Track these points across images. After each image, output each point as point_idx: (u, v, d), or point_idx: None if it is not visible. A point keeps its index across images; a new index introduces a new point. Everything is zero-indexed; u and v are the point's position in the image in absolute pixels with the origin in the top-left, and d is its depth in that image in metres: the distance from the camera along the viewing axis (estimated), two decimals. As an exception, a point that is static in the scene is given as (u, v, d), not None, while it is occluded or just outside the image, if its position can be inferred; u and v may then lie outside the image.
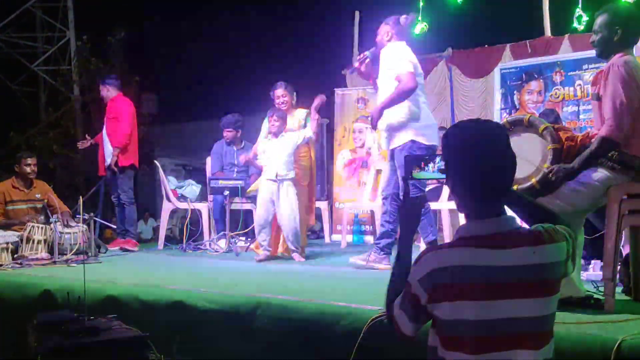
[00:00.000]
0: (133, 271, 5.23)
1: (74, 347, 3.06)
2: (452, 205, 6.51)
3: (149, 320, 3.75)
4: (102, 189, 7.91)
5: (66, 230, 5.97)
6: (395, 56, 4.93)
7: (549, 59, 7.35)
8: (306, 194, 6.25)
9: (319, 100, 5.95)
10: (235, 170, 7.33)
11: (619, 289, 3.44)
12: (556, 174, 3.11)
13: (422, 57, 5.93)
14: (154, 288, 4.10)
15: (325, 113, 9.25)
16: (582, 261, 4.02)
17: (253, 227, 6.92)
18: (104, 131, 7.18)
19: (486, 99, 8.40)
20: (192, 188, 7.59)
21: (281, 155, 5.79)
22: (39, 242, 5.88)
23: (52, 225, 5.83)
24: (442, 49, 8.54)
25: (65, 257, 5.76)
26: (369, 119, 5.16)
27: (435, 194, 6.69)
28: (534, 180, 3.18)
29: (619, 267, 3.40)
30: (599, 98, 3.23)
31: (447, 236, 6.58)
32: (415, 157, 2.35)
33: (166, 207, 7.38)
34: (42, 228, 5.95)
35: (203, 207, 7.26)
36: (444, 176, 2.00)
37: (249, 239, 6.95)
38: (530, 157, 3.24)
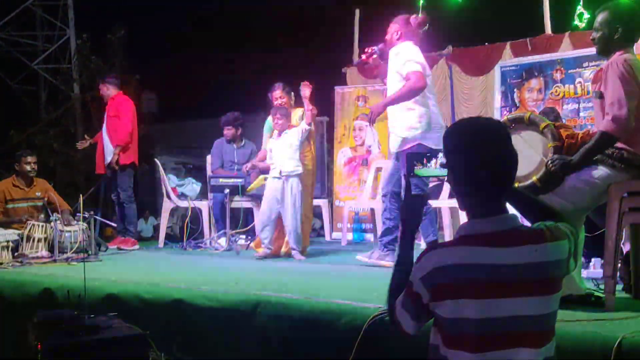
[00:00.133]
0: (133, 269, 5.23)
1: (74, 346, 3.06)
2: (453, 203, 6.51)
3: (149, 318, 3.76)
4: (102, 187, 7.91)
5: (66, 228, 5.97)
6: (403, 56, 4.89)
7: (550, 56, 7.34)
8: (310, 194, 6.25)
9: (306, 88, 5.80)
10: (236, 168, 7.33)
11: (619, 287, 3.44)
12: (555, 164, 3.11)
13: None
14: (154, 286, 4.10)
15: (325, 111, 9.25)
16: (583, 259, 4.02)
17: (254, 225, 6.93)
18: (104, 129, 7.17)
19: (486, 97, 8.39)
20: (192, 186, 7.59)
21: (286, 152, 5.79)
22: (39, 240, 5.89)
23: (52, 223, 5.83)
24: (442, 47, 8.53)
25: (65, 256, 5.76)
26: (369, 112, 5.13)
27: (436, 192, 6.68)
28: (534, 178, 3.18)
29: (619, 265, 3.40)
30: (600, 96, 3.22)
31: (448, 235, 6.58)
32: (418, 155, 2.35)
33: (166, 206, 7.38)
34: (42, 226, 5.95)
35: (203, 206, 7.26)
36: (445, 173, 2.00)
37: (250, 237, 6.96)
38: (530, 155, 3.23)
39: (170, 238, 8.02)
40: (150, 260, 6.14)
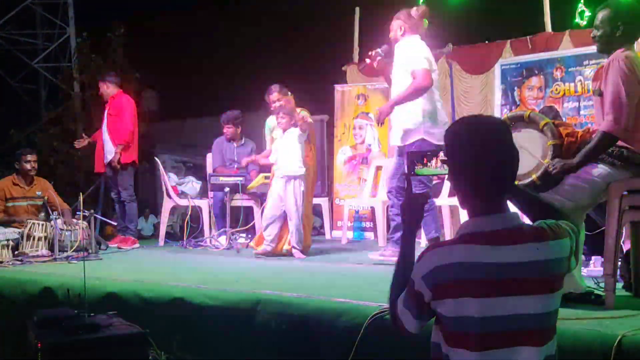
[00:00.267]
0: (133, 268, 5.24)
1: (74, 344, 3.06)
2: (453, 201, 6.52)
3: (149, 316, 3.76)
4: (102, 185, 7.91)
5: (66, 227, 5.97)
6: (410, 51, 4.86)
7: (550, 54, 7.33)
8: (311, 194, 6.26)
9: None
10: (236, 166, 7.33)
11: (619, 285, 3.43)
12: (556, 170, 3.11)
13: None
14: (154, 285, 4.10)
15: (325, 109, 9.25)
16: (583, 257, 4.02)
17: (254, 223, 6.94)
18: (104, 128, 7.16)
19: (486, 95, 8.38)
20: (192, 185, 7.59)
21: (289, 151, 5.80)
22: (39, 239, 5.90)
23: (52, 222, 5.83)
24: (443, 45, 8.52)
25: (65, 254, 5.77)
26: (378, 113, 5.10)
27: (436, 191, 6.68)
28: (534, 176, 3.18)
29: (619, 263, 3.40)
30: (600, 94, 3.22)
31: (448, 233, 6.58)
32: (418, 154, 2.34)
33: (167, 204, 7.38)
34: (42, 225, 5.96)
35: (203, 204, 7.26)
36: (446, 172, 1.99)
37: (250, 236, 6.96)
38: (530, 153, 3.23)
39: (171, 236, 8.02)
40: (150, 259, 6.15)
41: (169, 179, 7.48)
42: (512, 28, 8.93)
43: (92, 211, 5.98)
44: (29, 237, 5.87)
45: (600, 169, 3.14)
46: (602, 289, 3.22)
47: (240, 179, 6.69)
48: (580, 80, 6.85)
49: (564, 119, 6.34)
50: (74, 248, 5.88)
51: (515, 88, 7.34)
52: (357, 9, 9.49)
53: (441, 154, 2.22)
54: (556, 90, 7.04)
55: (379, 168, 7.84)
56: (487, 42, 8.63)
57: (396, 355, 2.94)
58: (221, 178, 6.76)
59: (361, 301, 3.29)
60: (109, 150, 7.06)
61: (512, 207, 1.94)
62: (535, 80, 7.21)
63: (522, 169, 3.17)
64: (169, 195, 7.33)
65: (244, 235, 7.01)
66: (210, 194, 7.22)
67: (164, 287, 4.01)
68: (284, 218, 5.84)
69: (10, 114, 13.91)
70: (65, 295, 4.00)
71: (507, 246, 1.77)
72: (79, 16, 14.37)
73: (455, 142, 1.90)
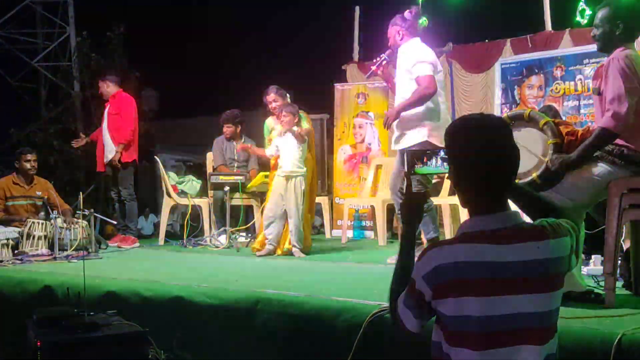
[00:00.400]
0: (133, 267, 5.23)
1: (73, 343, 3.06)
2: (453, 200, 6.52)
3: (149, 315, 3.76)
4: (102, 185, 7.91)
5: (66, 226, 5.97)
6: (413, 56, 4.85)
7: (550, 53, 7.33)
8: (314, 193, 6.26)
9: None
10: (236, 165, 7.33)
11: (619, 284, 3.43)
12: (556, 164, 3.11)
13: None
14: (154, 284, 4.10)
15: (325, 108, 9.25)
16: (583, 256, 4.02)
17: (254, 222, 6.94)
18: (104, 127, 7.16)
19: (486, 94, 8.39)
20: (192, 184, 7.59)
21: (292, 150, 5.79)
22: (39, 238, 5.89)
23: (52, 221, 5.83)
24: (443, 44, 8.52)
25: (65, 253, 5.76)
26: (385, 118, 5.10)
27: (436, 190, 6.68)
28: (534, 175, 3.17)
29: (619, 262, 3.39)
30: (600, 92, 3.22)
31: (448, 232, 6.58)
32: (418, 153, 2.34)
33: (166, 203, 7.38)
34: (42, 224, 5.96)
35: (203, 203, 7.26)
36: (446, 171, 1.99)
37: (250, 235, 6.96)
38: (530, 152, 3.23)
39: (171, 236, 8.02)
40: (150, 258, 6.14)
41: (168, 178, 7.48)
42: (512, 27, 8.94)
43: (92, 210, 5.98)
44: (28, 236, 5.87)
45: (600, 168, 3.13)
46: (602, 288, 3.22)
47: (240, 178, 6.69)
48: (581, 79, 6.85)
49: (564, 118, 6.33)
50: (73, 247, 5.88)
51: (516, 87, 7.34)
52: (357, 8, 9.49)
53: (441, 152, 2.22)
54: (556, 89, 7.03)
55: (379, 167, 7.84)
56: (487, 40, 8.64)
57: (396, 354, 2.94)
58: (221, 177, 6.76)
59: (361, 300, 3.29)
60: (110, 150, 7.05)
61: (513, 206, 1.94)
62: (535, 79, 7.21)
63: (522, 168, 3.16)
64: (168, 195, 7.33)
65: (243, 234, 7.01)
66: (210, 193, 7.22)
67: (164, 286, 4.01)
68: (285, 217, 5.84)
69: (10, 113, 13.91)
70: (65, 294, 4.00)
71: (507, 245, 1.77)
72: (79, 15, 14.36)
73: (455, 141, 1.90)
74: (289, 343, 3.38)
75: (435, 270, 1.79)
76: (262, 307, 3.50)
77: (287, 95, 6.32)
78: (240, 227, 6.84)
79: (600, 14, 3.29)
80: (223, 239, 6.75)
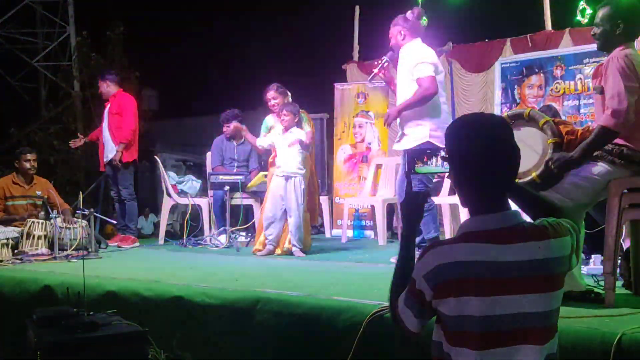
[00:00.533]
0: (133, 267, 5.23)
1: (73, 343, 3.05)
2: (453, 200, 6.51)
3: (148, 315, 3.76)
4: (102, 184, 7.91)
5: (67, 226, 5.97)
6: (415, 57, 4.86)
7: (550, 53, 7.33)
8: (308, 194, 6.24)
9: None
10: (236, 165, 7.33)
11: (619, 283, 3.43)
12: (556, 163, 3.10)
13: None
14: (154, 283, 4.09)
15: (325, 108, 9.25)
16: (583, 255, 4.02)
17: (253, 222, 6.93)
18: (105, 127, 7.15)
19: (486, 94, 8.39)
20: (192, 183, 7.59)
21: (290, 150, 5.79)
22: (39, 237, 5.89)
23: (52, 221, 5.83)
24: (442, 44, 8.52)
25: (65, 253, 5.77)
26: (386, 116, 5.11)
27: (436, 189, 6.68)
28: (534, 174, 3.17)
29: (619, 262, 3.39)
30: (600, 91, 3.22)
31: (448, 232, 6.58)
32: (419, 152, 2.33)
33: (166, 203, 7.38)
34: (42, 224, 5.96)
35: (203, 203, 7.26)
36: (447, 170, 1.98)
37: (250, 235, 6.96)
38: (530, 151, 3.23)
39: (171, 235, 8.03)
40: (150, 258, 6.14)
41: (168, 178, 7.48)
42: (512, 26, 8.95)
43: (92, 210, 5.97)
44: (28, 235, 5.87)
45: (600, 167, 3.13)
46: (602, 288, 3.22)
47: (240, 177, 6.69)
48: (581, 79, 6.85)
49: (564, 118, 6.33)
50: (73, 247, 5.88)
51: (515, 86, 7.34)
52: (357, 8, 9.49)
53: (442, 152, 2.21)
54: (556, 88, 7.03)
55: (378, 166, 7.84)
56: (487, 40, 8.64)
57: (396, 353, 2.94)
58: (221, 177, 6.76)
59: (361, 299, 3.28)
60: (110, 149, 7.05)
61: (513, 206, 1.93)
62: (535, 79, 7.21)
63: (522, 167, 3.15)
64: (168, 194, 7.33)
65: (243, 233, 7.00)
66: (210, 192, 7.22)
67: (164, 286, 4.00)
68: (284, 217, 5.84)
69: (11, 113, 13.92)
70: (64, 294, 3.99)
71: (508, 244, 1.76)
72: (79, 15, 14.38)
73: (456, 140, 1.89)
74: (288, 343, 3.37)
75: (435, 269, 1.79)
76: (262, 307, 3.49)
77: (289, 93, 6.31)
78: (240, 227, 6.84)
79: (600, 13, 3.29)
80: (223, 238, 6.75)
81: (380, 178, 7.75)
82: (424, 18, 5.03)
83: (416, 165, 2.31)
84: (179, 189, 7.48)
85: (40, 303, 4.10)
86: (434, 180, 6.45)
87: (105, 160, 7.13)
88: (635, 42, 3.33)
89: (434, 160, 2.28)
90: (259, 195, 6.93)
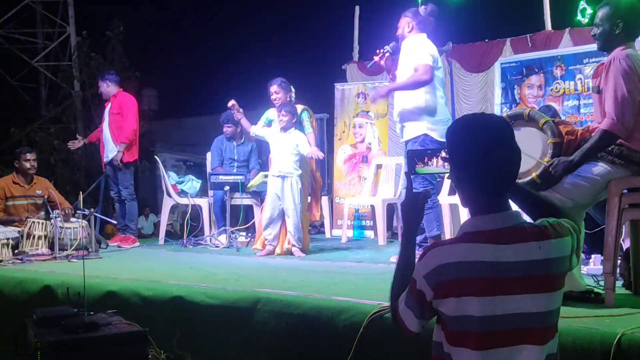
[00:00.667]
0: (133, 266, 5.23)
1: (73, 342, 3.05)
2: (453, 200, 6.51)
3: (149, 315, 3.75)
4: (102, 184, 7.91)
5: (66, 225, 5.97)
6: (416, 48, 4.92)
7: (550, 53, 7.34)
8: (306, 194, 6.24)
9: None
10: (236, 165, 7.33)
11: (619, 283, 3.43)
12: (556, 167, 3.11)
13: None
14: (154, 283, 4.09)
15: (325, 108, 9.25)
16: (583, 255, 4.02)
17: (253, 222, 6.93)
18: (105, 127, 7.15)
19: (486, 94, 8.40)
20: (192, 183, 7.59)
21: (287, 151, 5.78)
22: (39, 237, 5.89)
23: (52, 220, 5.83)
24: (443, 44, 8.52)
25: (65, 253, 5.76)
26: (375, 92, 5.17)
27: (436, 189, 6.67)
28: (534, 175, 3.17)
29: (619, 262, 3.39)
30: (599, 91, 3.22)
31: (448, 232, 6.58)
32: (419, 152, 2.33)
33: (167, 203, 7.38)
34: (42, 224, 5.96)
35: (203, 203, 7.26)
36: (447, 171, 1.98)
37: (250, 234, 6.96)
38: (530, 151, 3.22)
39: (171, 235, 8.02)
40: (150, 258, 6.14)
41: (169, 178, 7.48)
42: (512, 26, 8.95)
43: (92, 210, 5.97)
44: (29, 235, 5.87)
45: (600, 167, 3.13)
46: (602, 288, 3.22)
47: (240, 177, 6.69)
48: (580, 79, 6.85)
49: (564, 118, 6.33)
50: (74, 247, 5.88)
51: (515, 86, 7.34)
52: (357, 8, 9.49)
53: (442, 152, 2.21)
54: (556, 88, 7.03)
55: (379, 166, 7.84)
56: (487, 40, 8.64)
57: (396, 353, 2.94)
58: (221, 177, 6.76)
59: (361, 300, 3.28)
60: (110, 149, 7.05)
61: (514, 206, 1.93)
62: (535, 79, 7.21)
63: (522, 167, 3.16)
64: (169, 194, 7.33)
65: (243, 233, 7.01)
66: (210, 192, 7.22)
67: (164, 286, 4.00)
68: (282, 217, 5.84)
69: (11, 113, 13.92)
70: (65, 294, 3.99)
71: (509, 245, 1.76)
72: (79, 15, 14.38)
73: (457, 141, 1.89)
74: (288, 343, 3.37)
75: (436, 270, 1.79)
76: (262, 307, 3.50)
77: (293, 89, 6.30)
78: (240, 227, 6.84)
79: (600, 13, 3.29)
80: (223, 238, 6.76)
81: (380, 178, 7.75)
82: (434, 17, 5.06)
83: (417, 165, 2.31)
84: (179, 189, 7.48)
85: (40, 303, 4.10)
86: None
87: (105, 160, 7.14)
88: (635, 42, 3.33)
89: (434, 160, 2.28)
90: (259, 195, 6.93)
